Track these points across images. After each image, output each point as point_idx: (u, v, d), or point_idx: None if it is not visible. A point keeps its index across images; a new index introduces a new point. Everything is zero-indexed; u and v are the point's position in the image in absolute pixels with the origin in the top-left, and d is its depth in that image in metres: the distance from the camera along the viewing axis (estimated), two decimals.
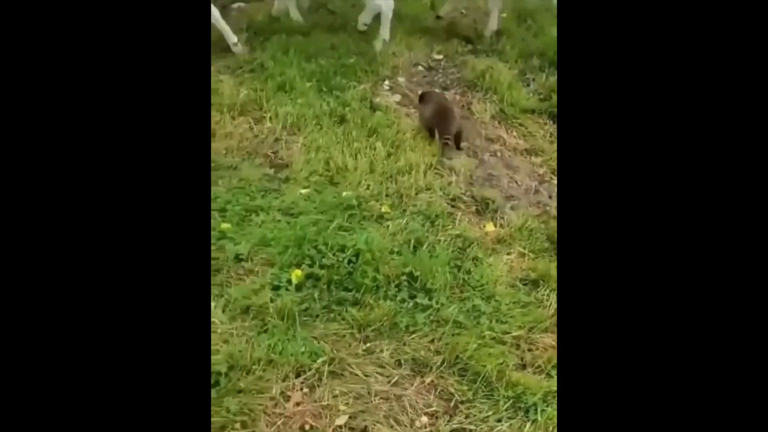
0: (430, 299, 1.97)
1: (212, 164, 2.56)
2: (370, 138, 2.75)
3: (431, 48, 3.69)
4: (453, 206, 2.46)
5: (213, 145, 2.67)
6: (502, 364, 1.80)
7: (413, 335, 1.87)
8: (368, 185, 2.48)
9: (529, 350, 1.89)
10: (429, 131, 2.83)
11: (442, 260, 2.11)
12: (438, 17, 3.97)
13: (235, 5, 4.07)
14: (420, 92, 3.10)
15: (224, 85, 3.02)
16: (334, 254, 2.05)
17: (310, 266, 2.02)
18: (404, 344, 1.84)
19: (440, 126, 2.78)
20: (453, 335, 1.87)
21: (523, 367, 1.84)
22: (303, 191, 2.43)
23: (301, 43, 3.44)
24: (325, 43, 3.45)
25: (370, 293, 1.96)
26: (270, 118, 2.85)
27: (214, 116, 2.84)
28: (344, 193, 2.41)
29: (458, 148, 2.80)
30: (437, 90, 3.22)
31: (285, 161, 2.63)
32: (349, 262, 2.03)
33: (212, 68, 3.23)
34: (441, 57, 3.63)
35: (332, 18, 3.85)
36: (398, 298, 1.96)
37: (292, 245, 2.08)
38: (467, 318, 1.93)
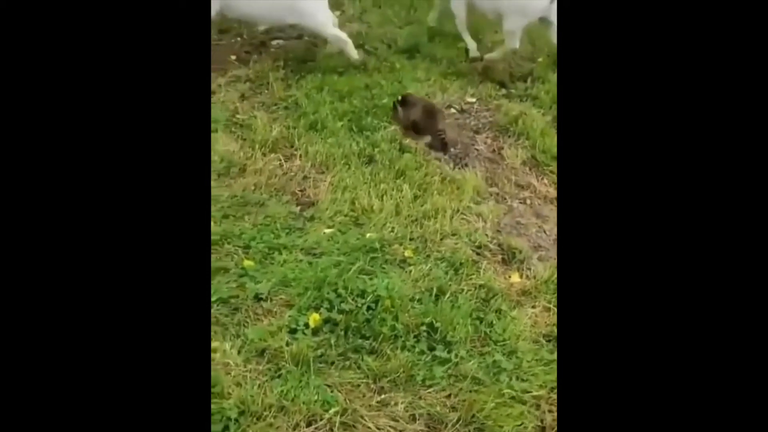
0: (449, 352, 1.91)
1: (240, 200, 2.58)
2: (397, 180, 2.74)
3: (465, 91, 3.69)
4: (478, 254, 2.41)
5: (242, 181, 2.70)
6: (520, 425, 1.73)
7: (430, 389, 1.81)
8: (393, 228, 2.46)
9: (550, 411, 1.81)
10: (414, 130, 3.02)
11: (464, 311, 2.05)
12: (473, 60, 3.98)
13: (275, 42, 4.17)
14: (400, 97, 3.23)
15: (258, 121, 3.06)
16: (353, 299, 2.02)
17: (329, 310, 1.99)
18: (420, 398, 1.79)
19: (429, 123, 3.01)
20: (471, 392, 1.81)
21: (543, 429, 1.76)
22: (327, 231, 2.42)
23: (336, 82, 3.48)
24: (359, 83, 3.49)
25: (388, 342, 1.91)
26: (300, 155, 2.87)
27: (246, 152, 2.88)
28: (368, 235, 2.39)
29: (444, 151, 3.01)
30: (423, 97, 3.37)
31: (312, 200, 2.63)
32: (368, 308, 1.99)
33: (247, 104, 3.29)
34: (474, 100, 3.62)
35: (367, 58, 3.90)
36: (416, 349, 1.91)
37: (312, 287, 2.06)
38: (487, 374, 1.87)
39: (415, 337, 1.95)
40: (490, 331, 2.03)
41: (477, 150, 3.18)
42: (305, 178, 2.75)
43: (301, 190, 2.69)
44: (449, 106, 3.55)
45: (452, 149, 3.08)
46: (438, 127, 3.01)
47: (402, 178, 2.76)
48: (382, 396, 1.78)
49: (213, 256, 2.26)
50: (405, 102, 3.14)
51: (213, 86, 3.47)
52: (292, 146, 2.94)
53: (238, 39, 4.20)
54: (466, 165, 3.02)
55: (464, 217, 2.61)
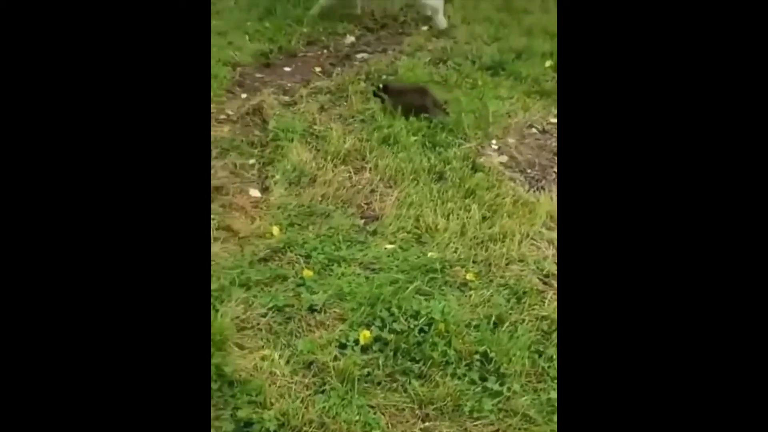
0: (501, 385, 1.81)
1: (307, 209, 2.61)
2: (466, 199, 2.66)
3: (548, 110, 3.55)
4: (545, 283, 2.28)
5: (311, 191, 2.72)
6: None
7: (477, 422, 1.72)
8: (456, 249, 2.38)
9: None
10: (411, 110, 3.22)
11: (523, 343, 1.94)
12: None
13: (359, 56, 4.22)
14: (381, 85, 3.38)
15: (333, 133, 3.09)
16: (406, 319, 1.97)
17: (380, 329, 1.95)
18: (465, 430, 1.70)
19: (425, 102, 3.25)
20: (520, 429, 1.70)
21: None
22: (388, 246, 2.39)
23: None
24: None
25: (438, 368, 1.84)
26: (370, 169, 2.87)
27: (318, 162, 2.91)
28: (429, 254, 2.33)
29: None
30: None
31: (376, 214, 2.61)
32: (421, 330, 1.93)
33: (326, 115, 3.34)
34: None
35: (448, 73, 3.85)
36: (467, 378, 1.83)
37: (366, 303, 2.03)
38: (539, 412, 1.75)
39: (466, 365, 1.86)
40: (549, 367, 1.90)
41: (555, 173, 3.03)
42: (372, 191, 2.73)
43: (367, 203, 2.67)
44: (530, 126, 3.43)
45: (528, 170, 2.98)
46: (438, 104, 3.27)
47: (471, 197, 2.68)
48: (426, 423, 1.71)
49: (274, 264, 2.29)
50: (388, 90, 3.31)
51: (295, 97, 3.56)
52: (363, 159, 2.94)
53: (324, 51, 4.29)
54: (543, 188, 2.89)
55: (534, 242, 2.48)
